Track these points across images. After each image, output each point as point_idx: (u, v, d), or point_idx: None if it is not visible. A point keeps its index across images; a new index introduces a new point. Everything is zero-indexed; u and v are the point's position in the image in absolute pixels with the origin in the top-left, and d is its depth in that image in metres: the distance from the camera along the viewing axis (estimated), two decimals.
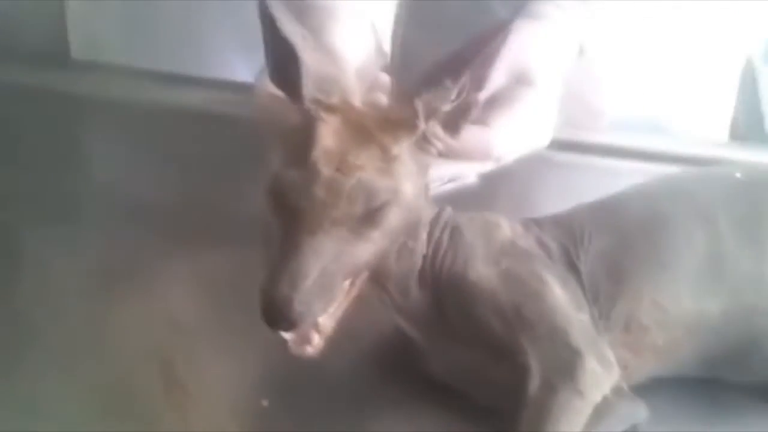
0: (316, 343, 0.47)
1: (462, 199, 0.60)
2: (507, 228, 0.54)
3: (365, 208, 0.45)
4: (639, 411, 0.52)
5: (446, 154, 0.50)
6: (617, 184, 0.58)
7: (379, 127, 0.47)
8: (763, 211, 0.54)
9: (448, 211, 0.54)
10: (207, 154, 0.79)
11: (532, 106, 0.63)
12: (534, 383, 0.49)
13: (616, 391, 0.51)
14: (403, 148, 0.47)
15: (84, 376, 0.55)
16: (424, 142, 0.48)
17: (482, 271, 0.52)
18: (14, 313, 0.60)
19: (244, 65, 0.94)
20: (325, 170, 0.45)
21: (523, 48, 0.66)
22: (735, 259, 0.52)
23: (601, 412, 0.49)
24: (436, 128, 0.48)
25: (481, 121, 0.60)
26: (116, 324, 0.59)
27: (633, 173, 0.69)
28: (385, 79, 0.59)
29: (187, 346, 0.57)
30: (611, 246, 0.53)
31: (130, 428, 0.52)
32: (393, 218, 0.46)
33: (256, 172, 0.72)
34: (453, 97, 0.47)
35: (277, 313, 0.43)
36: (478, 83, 0.48)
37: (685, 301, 0.52)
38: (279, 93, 0.50)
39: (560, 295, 0.51)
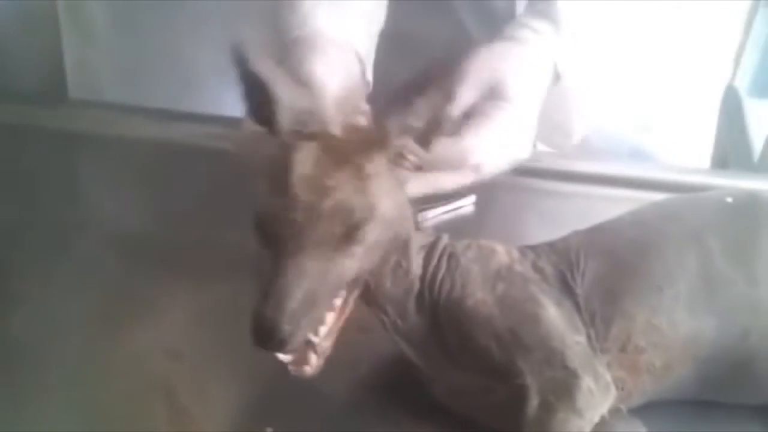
0: (314, 363, 0.48)
1: (454, 228, 0.61)
2: (503, 253, 0.55)
3: (344, 227, 0.46)
4: (637, 431, 0.53)
5: (423, 167, 0.52)
6: (603, 211, 0.59)
7: (354, 149, 0.48)
8: (754, 235, 0.55)
9: (445, 238, 0.55)
10: (202, 188, 0.80)
11: (507, 119, 0.64)
12: (532, 404, 0.50)
13: (614, 412, 0.52)
14: (377, 166, 0.48)
15: (87, 405, 0.56)
16: (398, 158, 0.50)
17: (479, 296, 0.53)
18: (14, 347, 0.60)
19: (236, 101, 0.95)
20: (303, 195, 0.46)
21: (497, 64, 0.67)
22: (727, 282, 0.53)
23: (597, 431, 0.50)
24: (408, 143, 0.50)
25: (454, 134, 0.61)
26: (118, 354, 0.60)
27: (618, 200, 0.71)
28: (366, 107, 0.61)
29: (190, 375, 0.58)
30: (606, 269, 0.54)
31: None
32: (373, 233, 0.47)
33: (244, 204, 0.73)
34: (422, 112, 0.48)
35: (265, 334, 0.44)
36: (447, 98, 0.49)
37: (679, 323, 0.53)
38: (259, 129, 0.51)
39: (556, 318, 0.52)
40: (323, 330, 0.48)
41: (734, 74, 1.20)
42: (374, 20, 0.75)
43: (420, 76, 0.48)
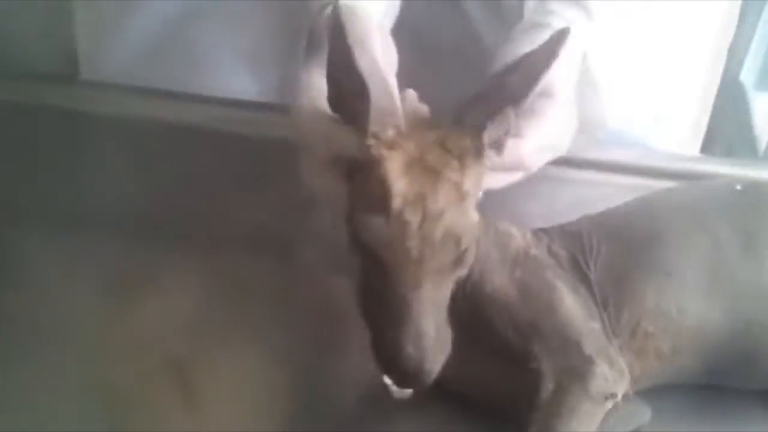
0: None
1: None
2: (519, 237, 0.55)
3: (455, 254, 0.46)
4: (642, 414, 0.53)
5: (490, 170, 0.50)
6: (609, 199, 0.60)
7: (442, 161, 0.46)
8: (762, 222, 0.55)
9: None
10: (211, 169, 0.80)
11: (555, 115, 0.64)
12: (547, 388, 0.50)
13: (622, 395, 0.52)
14: (470, 180, 0.47)
15: (99, 385, 0.56)
16: (483, 168, 0.48)
17: (497, 282, 0.53)
18: (24, 328, 0.61)
19: (247, 84, 0.95)
20: (412, 220, 0.44)
21: None
22: (735, 269, 0.54)
23: (605, 414, 0.51)
24: (491, 151, 0.48)
25: (516, 135, 0.60)
26: (129, 334, 0.60)
27: (625, 188, 0.71)
28: (412, 95, 0.59)
29: (201, 350, 0.58)
30: (617, 255, 0.55)
31: (145, 431, 0.53)
32: (473, 252, 0.47)
33: (262, 185, 0.74)
34: (507, 119, 0.47)
35: (413, 378, 0.45)
36: (518, 102, 0.48)
37: (688, 309, 0.53)
38: (325, 114, 0.50)
39: (572, 304, 0.53)
40: None
41: (740, 68, 1.21)
42: (389, 15, 0.74)
43: (501, 82, 0.47)
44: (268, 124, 0.79)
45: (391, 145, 0.46)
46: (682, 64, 0.93)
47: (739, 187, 0.58)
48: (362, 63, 0.47)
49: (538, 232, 0.57)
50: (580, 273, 0.54)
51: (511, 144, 0.57)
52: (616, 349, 0.52)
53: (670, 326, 0.53)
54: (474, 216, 0.47)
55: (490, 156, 0.48)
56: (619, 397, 0.51)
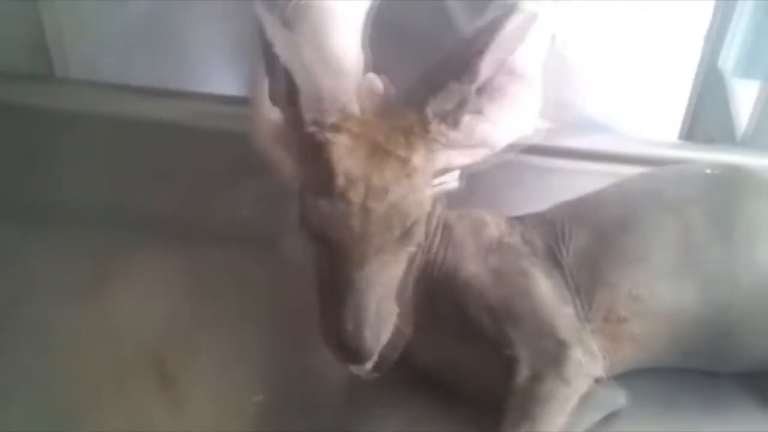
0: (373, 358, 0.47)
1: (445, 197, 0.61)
2: (494, 226, 0.56)
3: (401, 230, 0.46)
4: (618, 398, 0.54)
5: (447, 146, 0.50)
6: (586, 186, 0.60)
7: (390, 140, 0.46)
8: (733, 207, 0.56)
9: (439, 207, 0.55)
10: (192, 165, 0.80)
11: (520, 94, 0.64)
12: (522, 373, 0.51)
13: (597, 379, 0.53)
14: (418, 157, 0.47)
15: (76, 373, 0.56)
16: (431, 142, 0.48)
17: (472, 269, 0.53)
18: (14, 312, 0.61)
19: (228, 79, 0.96)
20: (356, 198, 0.45)
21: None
22: (706, 253, 0.54)
23: (581, 399, 0.51)
24: (441, 126, 0.48)
25: (477, 112, 0.60)
26: (107, 323, 0.60)
27: (601, 175, 0.71)
28: (377, 82, 0.59)
29: (180, 343, 0.58)
30: (590, 241, 0.55)
31: (123, 424, 0.53)
32: (421, 228, 0.47)
33: (242, 179, 0.73)
34: (454, 94, 0.47)
35: (352, 352, 0.44)
36: (471, 77, 0.48)
37: (660, 293, 0.54)
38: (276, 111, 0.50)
39: (546, 290, 0.53)
40: None
41: (717, 55, 1.21)
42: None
43: (450, 58, 0.47)
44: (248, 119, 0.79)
45: (336, 129, 0.47)
46: (656, 50, 0.93)
47: (708, 171, 0.58)
48: (286, 54, 0.47)
49: (512, 220, 0.57)
50: (553, 260, 0.55)
51: (474, 122, 0.57)
52: (589, 334, 0.53)
53: (644, 311, 0.54)
54: (424, 191, 0.47)
55: (446, 132, 0.48)
56: (593, 380, 0.52)
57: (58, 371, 0.56)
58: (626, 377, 0.55)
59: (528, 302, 0.52)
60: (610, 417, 0.53)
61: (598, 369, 0.52)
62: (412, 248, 0.47)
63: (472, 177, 0.71)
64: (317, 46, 0.58)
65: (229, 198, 0.74)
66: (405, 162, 0.46)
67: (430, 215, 0.53)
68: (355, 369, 0.48)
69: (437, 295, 0.54)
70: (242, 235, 0.68)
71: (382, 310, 0.45)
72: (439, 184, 0.75)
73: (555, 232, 0.56)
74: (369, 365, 0.47)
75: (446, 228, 0.55)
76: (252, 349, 0.58)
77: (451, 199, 0.56)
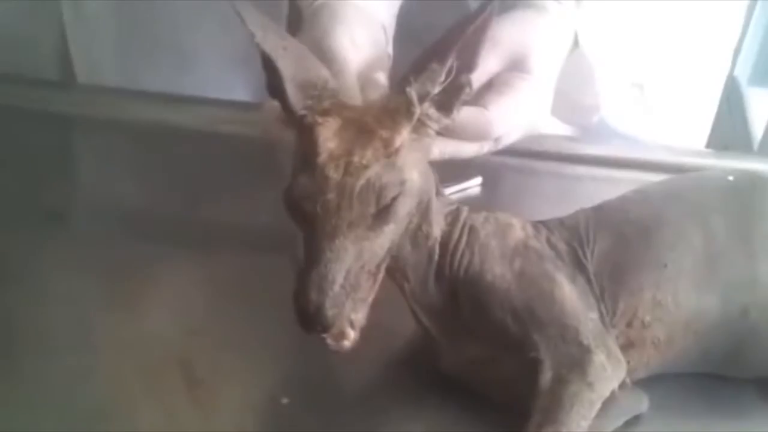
0: (351, 337, 0.49)
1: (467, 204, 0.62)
2: (519, 228, 0.56)
3: (377, 206, 0.47)
4: (641, 402, 0.54)
5: (444, 134, 0.52)
6: (607, 193, 0.60)
7: (377, 121, 0.48)
8: (754, 212, 0.56)
9: (465, 210, 0.56)
10: (205, 170, 0.81)
11: (528, 91, 0.64)
12: (546, 377, 0.51)
13: (620, 384, 0.53)
14: (402, 137, 0.48)
15: (104, 380, 0.57)
16: (421, 126, 0.49)
17: (497, 272, 0.54)
18: (29, 327, 0.61)
19: (241, 85, 0.96)
20: (334, 174, 0.46)
21: (520, 34, 0.67)
22: (729, 259, 0.55)
23: (604, 403, 0.52)
24: (430, 110, 0.50)
25: (479, 103, 0.61)
26: (133, 330, 0.61)
27: (622, 182, 0.72)
28: (382, 78, 0.60)
29: (205, 347, 0.59)
30: (613, 246, 0.55)
31: (152, 427, 0.53)
32: (403, 208, 0.48)
33: (258, 184, 0.74)
34: (442, 78, 0.48)
35: (311, 319, 0.45)
36: (468, 64, 0.49)
37: (683, 299, 0.54)
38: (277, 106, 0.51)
39: (571, 295, 0.53)
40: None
41: (734, 64, 1.21)
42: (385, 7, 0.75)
43: (438, 44, 0.48)
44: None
45: (325, 113, 0.49)
46: (688, 60, 0.93)
47: (731, 178, 0.59)
48: (267, 43, 0.49)
49: (538, 224, 0.57)
50: (578, 264, 0.55)
51: (473, 112, 0.59)
52: (613, 338, 0.53)
53: (667, 316, 0.54)
54: (407, 173, 0.48)
55: (436, 117, 0.50)
56: (617, 385, 0.52)
57: (84, 378, 0.57)
58: (649, 382, 0.55)
59: (553, 306, 0.53)
60: (632, 421, 0.54)
61: (622, 374, 0.53)
62: (391, 226, 0.48)
63: (496, 183, 0.72)
64: (316, 40, 0.60)
65: (250, 204, 0.75)
66: (387, 142, 0.48)
67: (455, 218, 0.55)
68: (333, 345, 0.49)
69: (462, 295, 0.54)
70: (266, 241, 0.69)
71: (350, 283, 0.46)
72: (462, 190, 0.76)
73: (579, 237, 0.56)
74: (347, 344, 0.49)
75: (472, 230, 0.55)
76: (278, 353, 0.58)
77: (474, 204, 0.57)
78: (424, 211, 0.52)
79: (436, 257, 0.54)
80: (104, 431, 0.53)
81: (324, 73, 0.51)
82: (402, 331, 0.59)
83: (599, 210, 0.58)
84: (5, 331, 0.61)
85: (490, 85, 0.63)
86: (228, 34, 0.92)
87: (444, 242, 0.54)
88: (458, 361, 0.55)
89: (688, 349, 0.55)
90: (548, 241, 0.56)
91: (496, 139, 0.62)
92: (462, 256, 0.54)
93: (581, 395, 0.51)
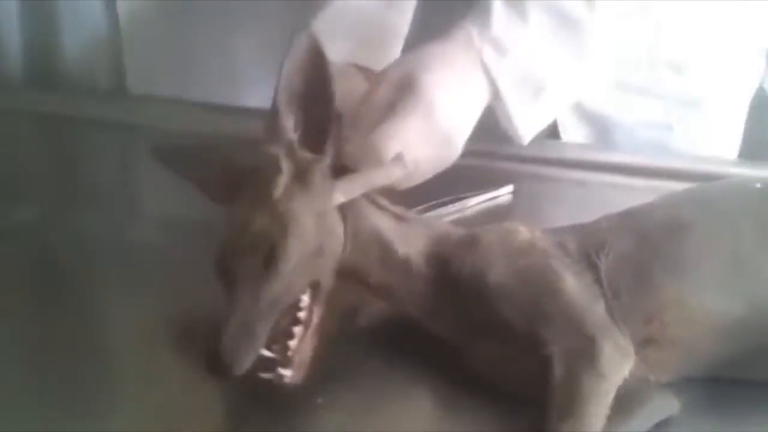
0: (289, 373, 0.52)
1: (493, 217, 0.63)
2: (526, 232, 0.58)
3: (263, 255, 0.51)
4: (671, 404, 0.54)
5: (348, 170, 0.56)
6: (636, 202, 0.61)
7: (263, 176, 0.53)
8: None
9: (459, 229, 0.60)
10: None
11: (414, 108, 0.67)
12: (558, 372, 0.52)
13: (647, 385, 0.54)
14: (279, 187, 0.53)
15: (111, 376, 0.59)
16: (305, 173, 0.54)
17: (501, 272, 0.55)
18: (81, 346, 0.61)
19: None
20: (228, 236, 0.52)
21: (408, 61, 0.71)
22: (755, 264, 0.55)
23: (632, 405, 0.52)
24: (303, 154, 0.54)
25: (362, 132, 0.64)
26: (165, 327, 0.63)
27: (645, 191, 0.73)
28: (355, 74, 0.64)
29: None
30: (634, 248, 0.56)
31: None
32: (294, 250, 0.52)
33: None
34: (291, 125, 0.54)
35: (209, 367, 0.49)
36: (326, 103, 0.54)
37: (707, 302, 0.54)
38: None
39: (574, 287, 0.54)
40: (293, 343, 0.52)
41: (765, 76, 1.22)
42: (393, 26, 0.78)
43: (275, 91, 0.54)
44: None
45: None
46: (722, 69, 0.94)
47: (758, 185, 0.60)
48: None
49: (551, 230, 0.59)
50: (588, 262, 0.56)
51: (358, 141, 0.63)
52: (621, 331, 0.54)
53: (688, 317, 0.54)
54: (291, 218, 0.52)
55: (318, 159, 0.54)
56: (627, 373, 0.53)
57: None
58: (678, 385, 0.55)
59: (556, 300, 0.54)
60: (662, 424, 0.53)
61: (630, 362, 0.53)
62: (286, 268, 0.51)
63: (528, 191, 0.72)
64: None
65: None
66: (264, 194, 0.53)
67: (445, 237, 0.58)
68: (272, 377, 0.52)
69: (469, 299, 0.56)
70: None
71: (245, 330, 0.49)
72: (493, 198, 0.77)
73: (596, 239, 0.57)
74: (286, 378, 0.52)
75: (472, 239, 0.57)
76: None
77: (504, 212, 0.58)
78: (373, 241, 0.56)
79: (426, 270, 0.57)
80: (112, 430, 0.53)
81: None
82: (425, 332, 0.59)
83: (624, 215, 0.59)
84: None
85: (377, 113, 0.67)
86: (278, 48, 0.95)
87: (435, 254, 0.57)
88: (478, 360, 0.56)
89: (714, 352, 0.55)
90: (558, 243, 0.57)
91: (399, 161, 0.62)
92: (462, 261, 0.56)
93: (594, 387, 0.51)
